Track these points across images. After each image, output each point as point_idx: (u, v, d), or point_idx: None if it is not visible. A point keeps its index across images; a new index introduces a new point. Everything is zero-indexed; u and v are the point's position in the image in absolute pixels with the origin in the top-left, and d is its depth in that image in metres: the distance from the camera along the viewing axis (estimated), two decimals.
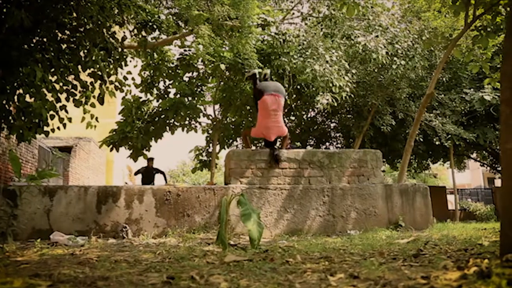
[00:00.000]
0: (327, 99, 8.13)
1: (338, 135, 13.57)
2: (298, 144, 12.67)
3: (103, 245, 3.55)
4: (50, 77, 5.95)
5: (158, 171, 10.36)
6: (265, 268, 1.96)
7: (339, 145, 13.66)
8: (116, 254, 2.80)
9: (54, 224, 4.51)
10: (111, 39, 6.20)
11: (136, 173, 10.38)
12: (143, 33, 7.63)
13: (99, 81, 6.34)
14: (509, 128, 2.16)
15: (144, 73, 10.22)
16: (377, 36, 9.40)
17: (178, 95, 10.17)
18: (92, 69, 6.14)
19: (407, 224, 5.30)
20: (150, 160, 10.38)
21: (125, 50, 8.32)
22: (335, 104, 8.50)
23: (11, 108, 5.85)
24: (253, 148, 11.76)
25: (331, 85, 8.20)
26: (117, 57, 6.46)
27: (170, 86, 10.47)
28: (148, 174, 10.11)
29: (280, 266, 2.02)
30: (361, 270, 1.78)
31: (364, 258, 2.24)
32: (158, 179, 10.78)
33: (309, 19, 10.57)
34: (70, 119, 6.34)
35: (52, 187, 4.71)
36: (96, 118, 7.35)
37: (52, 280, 1.66)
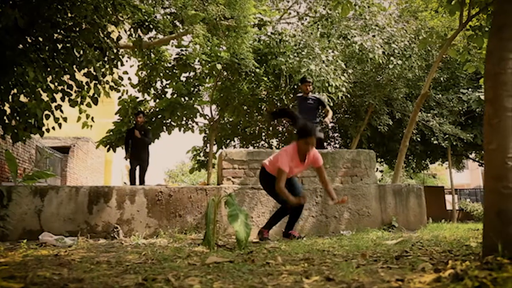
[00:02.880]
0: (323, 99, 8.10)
1: (335, 135, 13.54)
2: None
3: (91, 245, 3.54)
4: (45, 77, 5.95)
5: (147, 134, 8.01)
6: (244, 270, 1.95)
7: (336, 145, 13.63)
8: (101, 255, 2.78)
9: (45, 225, 4.50)
10: (106, 39, 6.19)
11: (126, 145, 8.07)
12: (140, 33, 7.62)
13: (94, 81, 6.35)
14: (492, 128, 2.15)
15: (141, 73, 10.20)
16: (374, 36, 9.38)
17: (175, 95, 10.15)
18: (87, 69, 6.15)
19: (400, 224, 5.28)
20: (139, 115, 8.10)
21: (121, 50, 8.33)
22: (331, 104, 8.48)
23: (5, 108, 5.85)
24: (250, 148, 11.71)
25: (327, 85, 8.18)
26: (112, 57, 6.46)
27: (167, 86, 10.45)
28: (135, 137, 7.75)
29: (259, 268, 2.01)
30: (338, 272, 1.76)
31: (346, 259, 2.22)
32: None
33: (306, 19, 10.55)
34: (65, 119, 6.34)
35: (43, 188, 4.70)
36: (92, 118, 7.36)
37: (25, 282, 1.65)
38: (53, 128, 6.22)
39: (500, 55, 2.14)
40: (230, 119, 12.07)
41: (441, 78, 11.69)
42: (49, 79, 6.04)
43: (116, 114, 10.38)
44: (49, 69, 5.88)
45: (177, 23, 8.31)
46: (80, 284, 1.63)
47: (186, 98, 10.14)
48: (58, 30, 5.79)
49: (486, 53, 2.26)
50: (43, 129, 6.15)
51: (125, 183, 20.34)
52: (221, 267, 2.08)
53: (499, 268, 1.65)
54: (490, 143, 2.14)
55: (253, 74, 9.39)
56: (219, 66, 8.95)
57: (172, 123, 10.33)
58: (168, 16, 8.22)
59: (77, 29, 5.87)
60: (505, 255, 1.88)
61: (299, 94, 6.84)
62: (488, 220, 2.09)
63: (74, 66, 5.97)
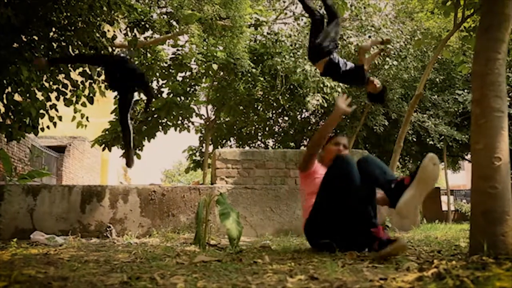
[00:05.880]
0: (317, 100, 8.12)
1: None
2: (292, 144, 12.67)
3: (82, 245, 3.54)
4: (40, 76, 5.94)
5: (139, 79, 4.76)
6: (231, 269, 1.95)
7: None
8: (91, 254, 2.78)
9: (37, 224, 4.49)
10: (101, 38, 6.18)
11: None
12: (136, 32, 7.61)
13: (89, 80, 6.34)
14: (479, 129, 2.16)
15: None
16: (369, 37, 9.40)
17: (171, 95, 10.15)
18: (82, 68, 6.14)
19: (393, 225, 5.29)
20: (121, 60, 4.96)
21: (116, 49, 8.31)
22: (325, 105, 8.49)
23: None
24: (245, 148, 11.70)
25: (322, 85, 8.19)
26: None
27: (163, 85, 10.45)
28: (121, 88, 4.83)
29: (246, 267, 2.01)
30: (323, 271, 1.77)
31: (333, 259, 2.23)
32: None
33: (302, 19, 10.57)
34: (60, 118, 6.32)
35: (35, 187, 4.69)
36: (87, 118, 7.34)
37: (9, 280, 1.64)
38: (48, 127, 6.21)
39: (487, 56, 2.15)
40: (226, 119, 12.08)
41: (437, 79, 11.72)
42: (44, 78, 6.03)
43: (111, 113, 10.36)
44: None
45: (173, 23, 8.31)
46: (64, 283, 1.62)
47: (182, 98, 10.14)
48: (53, 29, 5.77)
49: (473, 53, 2.27)
50: (38, 128, 6.13)
51: (121, 182, 20.31)
52: (208, 266, 2.08)
53: (483, 268, 1.66)
54: (477, 143, 2.15)
55: (249, 74, 9.40)
56: (215, 66, 8.97)
57: (168, 122, 10.33)
58: (164, 16, 8.21)
59: (72, 28, 5.86)
60: (491, 255, 1.90)
61: None
62: (474, 220, 2.10)
63: (69, 65, 5.96)
